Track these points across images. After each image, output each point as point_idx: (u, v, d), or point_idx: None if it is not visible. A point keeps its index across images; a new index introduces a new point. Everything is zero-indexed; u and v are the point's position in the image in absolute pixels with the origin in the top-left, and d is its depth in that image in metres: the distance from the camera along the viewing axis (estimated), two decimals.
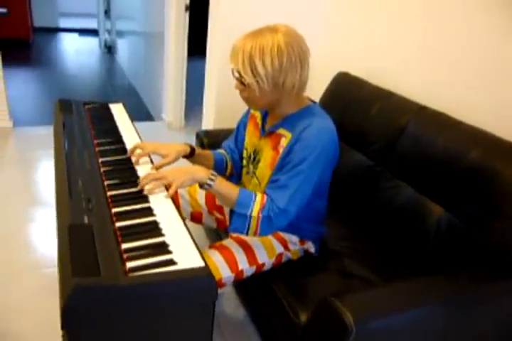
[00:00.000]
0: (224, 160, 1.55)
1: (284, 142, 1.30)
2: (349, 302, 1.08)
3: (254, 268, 1.39)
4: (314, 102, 1.36)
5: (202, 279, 0.88)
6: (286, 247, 1.46)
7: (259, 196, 1.23)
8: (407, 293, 1.16)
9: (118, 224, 1.02)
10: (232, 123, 2.29)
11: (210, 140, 2.06)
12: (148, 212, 1.09)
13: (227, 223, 1.60)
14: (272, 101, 1.27)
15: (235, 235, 1.45)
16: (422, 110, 1.67)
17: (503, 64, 1.50)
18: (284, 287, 1.38)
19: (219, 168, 1.54)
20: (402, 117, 1.70)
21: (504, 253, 1.25)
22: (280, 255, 1.45)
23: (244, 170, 1.51)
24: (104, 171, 1.27)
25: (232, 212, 1.25)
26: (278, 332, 1.40)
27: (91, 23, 6.97)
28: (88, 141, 1.47)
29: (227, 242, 1.41)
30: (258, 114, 1.46)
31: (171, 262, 0.90)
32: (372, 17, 2.09)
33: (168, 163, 1.37)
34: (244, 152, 1.50)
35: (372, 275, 1.45)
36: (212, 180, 1.22)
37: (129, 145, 1.47)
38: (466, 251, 1.35)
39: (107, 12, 6.05)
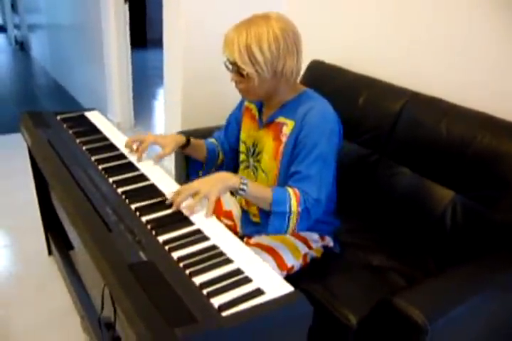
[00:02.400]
0: (215, 149, 1.51)
1: (286, 130, 1.26)
2: (415, 301, 1.06)
3: (285, 273, 1.33)
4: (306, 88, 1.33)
5: (299, 305, 0.80)
6: (309, 246, 1.41)
7: (290, 190, 1.18)
8: (461, 282, 1.16)
9: (175, 255, 0.91)
10: (203, 122, 2.18)
11: None
12: (201, 235, 0.98)
13: (239, 228, 1.53)
14: (271, 89, 1.24)
15: (252, 242, 1.38)
16: (415, 95, 1.67)
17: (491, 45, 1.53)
18: (321, 289, 1.33)
19: (211, 158, 1.49)
20: (395, 104, 1.69)
21: None
22: (305, 255, 1.40)
23: (243, 165, 1.45)
24: (123, 192, 1.13)
25: (265, 212, 1.21)
26: (325, 338, 1.35)
27: None
28: (85, 159, 1.30)
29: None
30: (253, 106, 1.41)
31: (259, 292, 0.82)
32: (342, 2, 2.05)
33: (168, 154, 1.32)
34: (242, 146, 1.44)
35: (402, 267, 1.44)
36: (245, 184, 1.15)
37: (132, 159, 1.33)
38: (486, 232, 1.38)
39: (13, 6, 5.48)
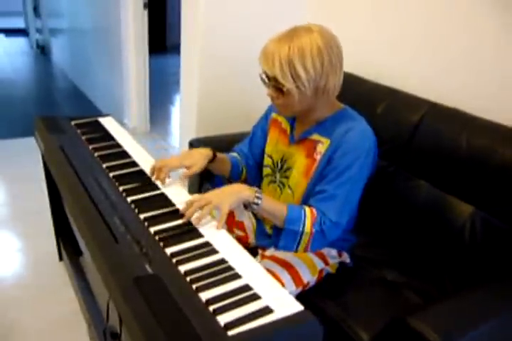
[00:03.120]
0: (239, 164, 1.44)
1: (321, 148, 1.21)
2: (430, 321, 1.02)
3: (300, 289, 1.29)
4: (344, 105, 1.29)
5: (310, 326, 0.77)
6: (326, 262, 1.37)
7: (308, 210, 1.14)
8: (479, 303, 1.11)
9: (182, 268, 0.88)
10: (219, 129, 2.16)
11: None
12: (209, 248, 0.95)
13: (251, 239, 1.50)
14: (309, 106, 1.18)
15: (268, 254, 1.34)
16: (434, 106, 1.63)
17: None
18: (333, 305, 1.29)
19: (235, 173, 1.43)
20: (413, 114, 1.64)
21: None
22: (321, 271, 1.36)
23: (267, 180, 1.40)
24: (132, 201, 1.11)
25: (277, 228, 1.16)
26: None
27: (18, 23, 6.41)
28: (97, 166, 1.29)
29: (267, 264, 1.30)
30: (282, 119, 1.35)
31: (268, 310, 0.78)
32: (355, 9, 2.02)
33: (197, 171, 1.25)
34: (268, 160, 1.39)
35: (417, 283, 1.40)
36: (258, 198, 1.11)
37: (144, 166, 1.32)
38: (506, 250, 1.33)
39: (36, 10, 5.57)
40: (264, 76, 1.15)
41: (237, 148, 1.49)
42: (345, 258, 1.44)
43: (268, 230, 1.43)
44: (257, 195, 1.11)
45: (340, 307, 1.28)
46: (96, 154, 1.37)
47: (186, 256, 0.92)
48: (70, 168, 1.24)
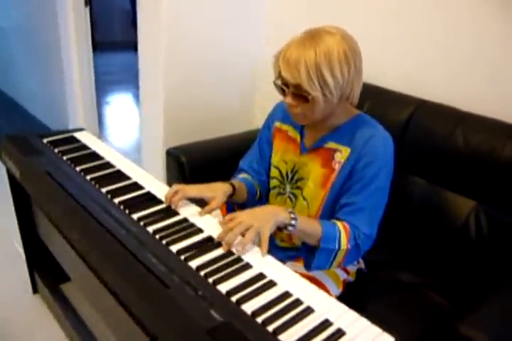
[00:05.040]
0: (254, 186, 1.34)
1: (340, 157, 1.15)
2: (482, 327, 1.00)
3: None
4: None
5: None
6: (346, 271, 1.33)
7: (340, 225, 1.09)
8: None
9: (247, 308, 0.78)
10: (190, 137, 2.02)
11: (190, 158, 1.78)
12: (265, 280, 0.86)
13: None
14: (329, 113, 1.11)
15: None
16: (423, 103, 1.62)
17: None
18: (364, 316, 1.25)
19: (251, 197, 1.32)
20: (401, 112, 1.63)
21: None
22: (344, 281, 1.32)
23: (275, 191, 1.32)
24: (155, 231, 0.99)
25: (308, 246, 1.11)
26: None
27: None
28: (95, 192, 1.14)
29: None
30: (288, 127, 1.28)
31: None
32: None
33: (217, 207, 1.14)
34: (274, 172, 1.31)
35: (433, 282, 1.39)
36: (294, 219, 1.04)
37: (149, 188, 1.18)
38: None
39: None
40: (280, 83, 1.07)
41: (244, 165, 1.37)
42: (361, 263, 1.40)
43: (279, 243, 1.36)
44: (292, 216, 1.04)
45: (369, 318, 1.24)
46: (88, 177, 1.21)
47: (244, 292, 0.82)
48: (69, 198, 1.08)
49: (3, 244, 1.95)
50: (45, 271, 1.64)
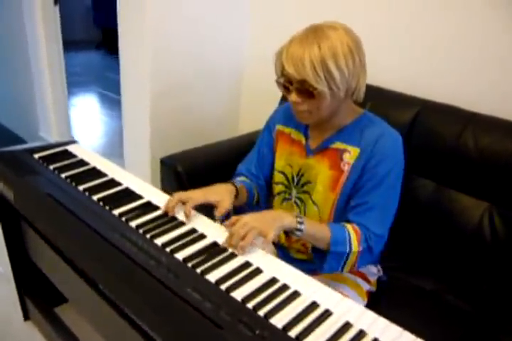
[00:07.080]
0: (252, 189, 1.29)
1: (348, 158, 1.12)
2: None
3: None
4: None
5: None
6: (368, 281, 1.28)
7: (350, 227, 1.07)
8: None
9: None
10: (180, 143, 1.92)
11: (186, 166, 1.68)
12: (314, 305, 0.79)
13: None
14: (334, 110, 1.08)
15: None
16: (427, 104, 1.59)
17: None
18: None
19: (250, 199, 1.28)
20: (405, 113, 1.60)
21: None
22: (368, 293, 1.27)
23: (281, 197, 1.27)
24: (184, 260, 0.89)
25: (318, 250, 1.09)
26: None
27: None
28: (108, 215, 1.03)
29: None
30: (291, 130, 1.23)
31: None
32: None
33: (228, 209, 1.09)
34: (279, 177, 1.26)
35: (455, 288, 1.37)
36: (301, 223, 1.01)
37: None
38: None
39: None
40: (283, 81, 1.03)
41: (242, 169, 1.33)
42: (381, 272, 1.36)
43: (294, 255, 1.30)
44: (298, 220, 1.01)
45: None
46: (95, 198, 1.10)
47: (301, 326, 0.75)
48: (80, 223, 0.97)
49: None
50: (36, 295, 1.51)
